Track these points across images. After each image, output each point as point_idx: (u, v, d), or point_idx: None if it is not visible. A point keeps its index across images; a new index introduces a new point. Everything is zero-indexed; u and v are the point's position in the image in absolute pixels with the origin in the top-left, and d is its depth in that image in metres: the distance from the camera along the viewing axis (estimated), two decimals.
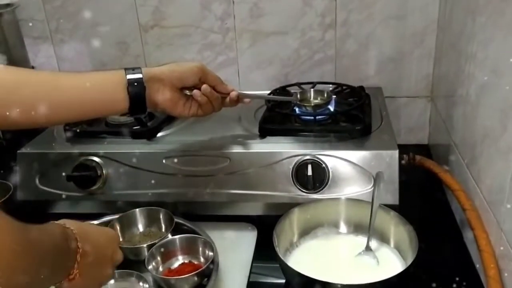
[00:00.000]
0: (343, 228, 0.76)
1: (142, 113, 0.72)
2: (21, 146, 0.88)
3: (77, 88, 0.67)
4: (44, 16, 1.15)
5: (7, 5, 1.09)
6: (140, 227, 0.81)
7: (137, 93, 0.68)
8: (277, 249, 0.66)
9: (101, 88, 0.68)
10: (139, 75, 0.69)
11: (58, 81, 0.66)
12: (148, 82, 0.69)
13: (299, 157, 0.77)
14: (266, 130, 0.85)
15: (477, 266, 0.70)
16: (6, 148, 1.00)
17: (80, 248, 0.50)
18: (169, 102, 0.73)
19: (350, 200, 0.75)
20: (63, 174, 0.82)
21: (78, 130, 0.90)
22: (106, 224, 0.79)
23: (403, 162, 0.81)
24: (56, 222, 0.51)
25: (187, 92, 0.75)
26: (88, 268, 0.51)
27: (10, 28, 1.09)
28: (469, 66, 0.77)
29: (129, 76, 0.68)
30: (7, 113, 0.60)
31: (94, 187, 0.83)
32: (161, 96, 0.72)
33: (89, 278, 0.53)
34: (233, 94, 0.78)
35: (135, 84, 0.68)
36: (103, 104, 0.68)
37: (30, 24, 1.15)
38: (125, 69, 0.69)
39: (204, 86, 0.75)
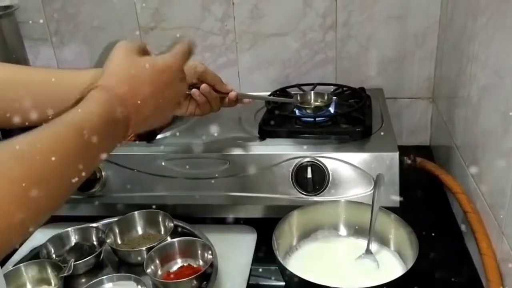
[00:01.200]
0: (343, 231, 0.75)
1: None
2: None
3: (74, 85, 0.66)
4: (44, 18, 1.14)
5: (7, 7, 1.09)
6: (139, 230, 0.81)
7: None
8: (276, 252, 0.66)
9: None
10: None
11: (56, 77, 0.66)
12: None
13: (299, 159, 0.77)
14: (266, 132, 0.85)
15: (478, 269, 0.70)
16: None
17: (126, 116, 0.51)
18: None
19: (350, 202, 0.75)
20: None
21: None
22: (106, 226, 0.80)
23: (404, 164, 0.81)
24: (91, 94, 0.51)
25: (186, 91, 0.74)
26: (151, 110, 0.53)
27: (10, 30, 1.09)
28: (471, 67, 0.76)
29: None
30: (2, 111, 0.60)
31: (93, 190, 0.82)
32: None
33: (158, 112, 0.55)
34: (232, 94, 0.77)
35: None
36: None
37: (30, 26, 1.15)
38: None
39: (203, 86, 0.74)
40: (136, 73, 0.55)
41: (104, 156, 0.49)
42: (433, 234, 0.75)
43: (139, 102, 0.53)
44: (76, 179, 0.44)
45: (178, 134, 0.90)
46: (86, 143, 0.45)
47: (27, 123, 0.66)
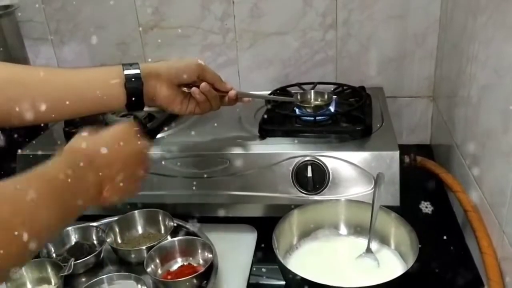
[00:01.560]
0: (343, 230, 0.75)
1: (139, 109, 0.71)
2: (21, 147, 0.88)
3: (73, 83, 0.66)
4: (44, 17, 1.15)
5: (7, 6, 1.09)
6: (139, 229, 0.81)
7: (134, 88, 0.67)
8: (276, 251, 0.66)
9: (98, 83, 0.67)
10: (137, 71, 0.68)
11: (55, 76, 0.66)
12: (145, 78, 0.68)
13: (299, 158, 0.77)
14: (266, 131, 0.85)
15: (479, 268, 0.70)
16: (5, 150, 1.00)
17: (100, 176, 0.53)
18: (166, 98, 0.72)
19: (351, 201, 0.75)
20: None
21: (77, 132, 0.90)
22: (106, 225, 0.79)
23: (405, 163, 0.81)
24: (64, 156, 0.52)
25: (185, 90, 0.74)
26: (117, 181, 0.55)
27: (10, 30, 1.09)
28: (471, 66, 0.76)
29: (127, 72, 0.67)
30: (3, 110, 0.60)
31: None
32: (158, 92, 0.71)
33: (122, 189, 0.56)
34: (232, 93, 0.77)
35: (133, 79, 0.67)
36: (100, 99, 0.67)
37: (30, 25, 1.15)
38: (123, 64, 0.68)
39: (203, 84, 0.74)
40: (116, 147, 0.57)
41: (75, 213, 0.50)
42: (433, 233, 0.75)
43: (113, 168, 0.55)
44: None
45: (178, 133, 0.90)
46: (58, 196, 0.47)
47: (27, 122, 0.66)
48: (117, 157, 0.56)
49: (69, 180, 0.48)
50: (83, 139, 0.55)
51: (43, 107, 0.63)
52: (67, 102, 0.65)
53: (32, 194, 0.42)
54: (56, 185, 0.47)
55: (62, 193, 0.48)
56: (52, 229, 0.46)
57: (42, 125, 0.95)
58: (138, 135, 0.60)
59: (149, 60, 1.14)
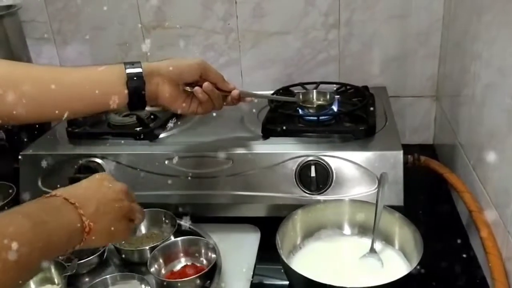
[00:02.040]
0: (347, 230, 0.75)
1: (141, 108, 0.71)
2: (23, 147, 0.88)
3: (75, 82, 0.66)
4: (46, 17, 1.15)
5: (10, 6, 1.09)
6: (143, 229, 0.81)
7: (136, 87, 0.67)
8: (280, 251, 0.66)
9: (100, 82, 0.67)
10: (139, 70, 0.68)
11: (57, 74, 0.66)
12: (147, 77, 0.68)
13: (303, 158, 0.77)
14: (269, 131, 0.85)
15: (484, 268, 0.69)
16: (8, 150, 1.00)
17: (85, 225, 0.53)
18: (168, 97, 0.72)
19: (354, 201, 0.75)
20: (66, 175, 0.82)
21: (80, 132, 0.90)
22: None
23: (408, 162, 0.81)
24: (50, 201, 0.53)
25: (188, 89, 0.74)
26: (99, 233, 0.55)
27: (12, 29, 1.09)
28: (475, 65, 0.76)
29: (129, 71, 0.67)
30: (4, 108, 0.60)
31: None
32: (161, 91, 0.71)
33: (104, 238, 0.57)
34: (235, 92, 0.77)
35: (135, 78, 0.67)
36: (102, 98, 0.67)
37: (33, 25, 1.16)
38: (125, 63, 0.68)
39: (205, 84, 0.73)
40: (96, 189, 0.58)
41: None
42: (437, 233, 0.75)
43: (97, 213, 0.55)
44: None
45: (181, 133, 0.90)
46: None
47: (29, 120, 0.66)
48: (94, 194, 0.56)
49: (46, 217, 0.49)
50: (58, 190, 0.56)
51: (45, 105, 0.63)
52: (69, 101, 0.65)
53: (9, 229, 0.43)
54: (35, 222, 0.47)
55: (38, 230, 0.47)
56: (27, 267, 0.46)
57: (37, 124, 0.95)
58: (114, 180, 0.61)
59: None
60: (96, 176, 0.61)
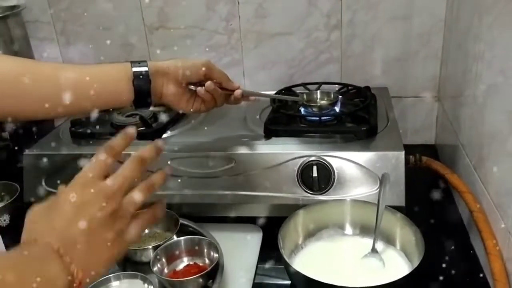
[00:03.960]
0: (348, 230, 0.75)
1: (146, 107, 0.72)
2: (27, 147, 0.89)
3: (81, 79, 0.66)
4: (50, 17, 1.15)
5: (14, 6, 1.10)
6: (146, 229, 0.81)
7: (142, 86, 0.68)
8: (282, 251, 0.66)
9: (106, 79, 0.67)
10: (145, 68, 0.68)
11: (62, 72, 0.66)
12: (153, 76, 0.69)
13: (305, 158, 0.77)
14: (271, 131, 0.85)
15: (485, 269, 0.69)
16: (13, 150, 1.00)
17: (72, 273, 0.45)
18: (173, 96, 0.73)
19: (356, 201, 0.75)
20: (70, 175, 0.82)
21: (83, 131, 0.91)
22: None
23: (410, 163, 0.81)
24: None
25: (192, 88, 0.75)
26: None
27: (16, 30, 1.10)
28: (477, 66, 0.76)
29: (135, 69, 0.68)
30: (9, 105, 0.60)
31: None
32: (165, 90, 0.72)
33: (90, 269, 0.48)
34: (238, 92, 0.77)
35: (141, 77, 0.68)
36: (108, 96, 0.67)
37: (36, 26, 1.16)
38: (131, 62, 0.69)
39: (208, 83, 0.74)
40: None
41: None
42: (439, 233, 0.75)
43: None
44: None
45: (183, 133, 0.90)
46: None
47: (34, 117, 0.66)
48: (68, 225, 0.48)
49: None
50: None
51: (50, 102, 0.63)
52: (75, 98, 0.65)
53: None
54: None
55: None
56: None
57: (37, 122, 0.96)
58: (83, 183, 0.52)
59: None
60: (60, 196, 0.51)
